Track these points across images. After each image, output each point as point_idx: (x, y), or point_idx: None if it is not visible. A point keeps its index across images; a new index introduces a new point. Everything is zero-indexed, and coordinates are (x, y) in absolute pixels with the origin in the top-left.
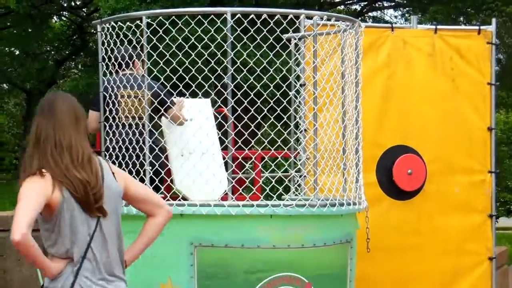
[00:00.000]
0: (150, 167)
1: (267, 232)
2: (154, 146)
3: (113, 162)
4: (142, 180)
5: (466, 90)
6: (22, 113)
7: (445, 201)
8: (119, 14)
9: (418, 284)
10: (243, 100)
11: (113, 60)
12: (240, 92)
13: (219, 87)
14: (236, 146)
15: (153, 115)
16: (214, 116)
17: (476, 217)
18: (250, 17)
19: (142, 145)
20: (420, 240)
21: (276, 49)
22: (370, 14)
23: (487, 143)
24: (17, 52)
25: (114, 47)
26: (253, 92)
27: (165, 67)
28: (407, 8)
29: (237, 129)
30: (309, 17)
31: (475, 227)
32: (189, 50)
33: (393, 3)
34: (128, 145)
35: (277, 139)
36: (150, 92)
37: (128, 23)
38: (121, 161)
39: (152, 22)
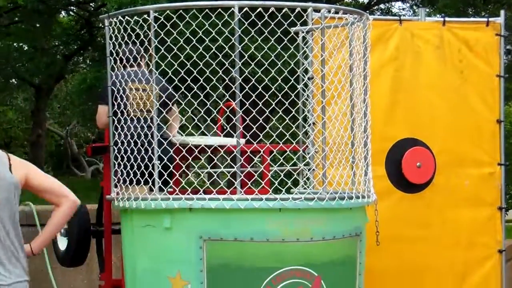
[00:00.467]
0: (159, 161)
1: (276, 226)
2: (162, 140)
3: (122, 157)
4: (151, 174)
5: (474, 82)
6: (30, 108)
7: (455, 193)
8: (126, 9)
9: (428, 277)
10: (251, 93)
11: (120, 55)
12: (248, 86)
13: (227, 80)
14: (245, 140)
15: (161, 109)
16: (222, 110)
17: (486, 209)
18: (258, 10)
19: (151, 138)
20: (429, 233)
21: (284, 43)
22: (378, 6)
23: (496, 136)
24: (25, 47)
25: (122, 42)
26: (261, 85)
27: (173, 61)
28: (415, 1)
29: (245, 122)
30: (317, 10)
31: (484, 219)
32: (196, 44)
33: None
34: (137, 139)
35: (286, 133)
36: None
37: (135, 17)
38: (130, 155)
39: (159, 16)
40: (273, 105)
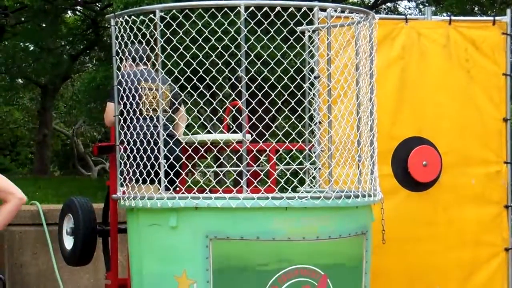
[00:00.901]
0: (165, 160)
1: (282, 225)
2: (173, 139)
3: (135, 156)
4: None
5: (481, 81)
6: (37, 107)
7: (461, 192)
8: (133, 8)
9: (434, 276)
10: (257, 93)
11: (133, 53)
12: (255, 85)
13: (233, 80)
14: (251, 139)
15: (168, 109)
16: (228, 109)
17: (492, 208)
18: (264, 9)
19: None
20: (435, 232)
21: (290, 42)
22: (384, 5)
23: (503, 134)
24: (32, 47)
25: (128, 41)
26: (267, 84)
27: (179, 61)
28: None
29: (252, 121)
30: (323, 9)
31: (491, 218)
32: (202, 43)
33: None
34: (150, 138)
35: (292, 132)
36: (165, 86)
37: (141, 16)
38: (143, 154)
39: (165, 16)
40: (279, 104)
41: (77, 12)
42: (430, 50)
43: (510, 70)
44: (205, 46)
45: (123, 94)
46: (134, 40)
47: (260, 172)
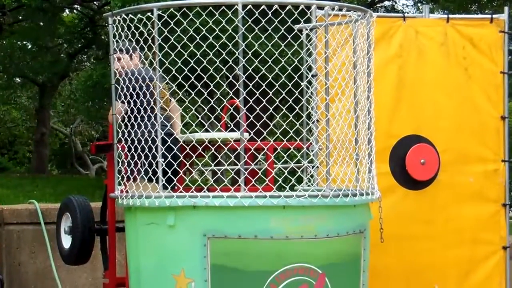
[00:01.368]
0: (163, 159)
1: (280, 223)
2: (166, 138)
3: (146, 155)
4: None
5: (479, 79)
6: (35, 106)
7: (459, 190)
8: (130, 7)
9: (432, 274)
10: (255, 91)
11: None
12: (252, 83)
13: (230, 78)
14: (249, 137)
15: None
16: (226, 107)
17: (490, 206)
18: (262, 7)
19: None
20: (433, 230)
21: (288, 40)
22: (381, 4)
23: (500, 132)
24: (30, 46)
25: (125, 39)
26: (265, 83)
27: (176, 59)
28: None
29: (249, 120)
30: (321, 8)
31: (488, 216)
32: (200, 42)
33: None
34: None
35: (290, 130)
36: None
37: (139, 15)
38: (155, 152)
39: (163, 14)
40: (277, 102)
41: (74, 11)
42: (428, 48)
43: (508, 68)
44: (203, 44)
45: (133, 92)
46: (132, 39)
47: (258, 171)
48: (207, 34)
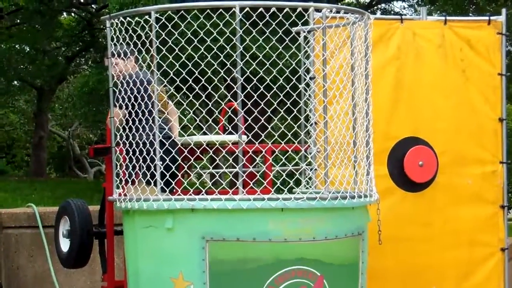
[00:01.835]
0: (161, 162)
1: (279, 226)
2: (164, 140)
3: (144, 158)
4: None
5: (476, 81)
6: (32, 110)
7: (457, 192)
8: (128, 10)
9: (430, 276)
10: (253, 93)
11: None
12: (250, 86)
13: (228, 81)
14: (247, 140)
15: (164, 110)
16: (224, 110)
17: (488, 208)
18: (259, 10)
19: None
20: (432, 232)
21: (285, 42)
22: (379, 6)
23: (498, 134)
24: (27, 49)
25: (123, 42)
26: (263, 85)
27: (174, 62)
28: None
29: (247, 123)
30: (318, 10)
31: (487, 218)
32: (198, 45)
33: None
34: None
35: (288, 133)
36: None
37: (137, 18)
38: (153, 155)
39: (160, 17)
40: (275, 105)
41: (72, 14)
42: (426, 50)
43: (506, 70)
44: (201, 47)
45: (131, 96)
46: (130, 42)
47: (256, 173)
48: (204, 37)
